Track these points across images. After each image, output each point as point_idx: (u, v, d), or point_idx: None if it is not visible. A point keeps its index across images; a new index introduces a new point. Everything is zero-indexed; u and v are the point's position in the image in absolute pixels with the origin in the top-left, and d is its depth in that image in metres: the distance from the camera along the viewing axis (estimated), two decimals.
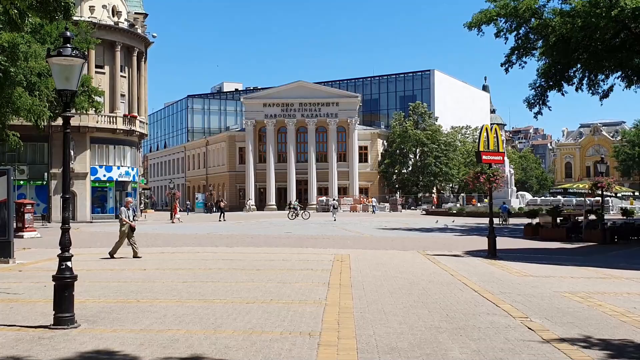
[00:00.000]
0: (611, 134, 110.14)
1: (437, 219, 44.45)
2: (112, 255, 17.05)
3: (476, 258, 17.54)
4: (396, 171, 76.18)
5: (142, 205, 66.15)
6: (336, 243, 23.65)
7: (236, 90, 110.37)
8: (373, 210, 63.94)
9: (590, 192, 26.38)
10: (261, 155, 77.09)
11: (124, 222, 17.20)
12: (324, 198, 66.47)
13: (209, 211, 70.20)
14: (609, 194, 26.89)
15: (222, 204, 49.58)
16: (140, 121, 52.75)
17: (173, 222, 43.14)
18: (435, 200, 73.30)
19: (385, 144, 79.33)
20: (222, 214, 47.17)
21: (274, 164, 73.68)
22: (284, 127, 74.67)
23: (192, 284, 11.97)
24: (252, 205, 70.86)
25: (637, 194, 73.77)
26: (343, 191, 75.12)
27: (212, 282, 12.22)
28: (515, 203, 55.51)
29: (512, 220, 41.69)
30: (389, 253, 19.13)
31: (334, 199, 58.01)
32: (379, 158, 77.79)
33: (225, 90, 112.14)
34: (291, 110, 73.78)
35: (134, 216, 18.12)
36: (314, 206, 68.48)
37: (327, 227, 35.72)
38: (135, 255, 16.97)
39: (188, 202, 76.83)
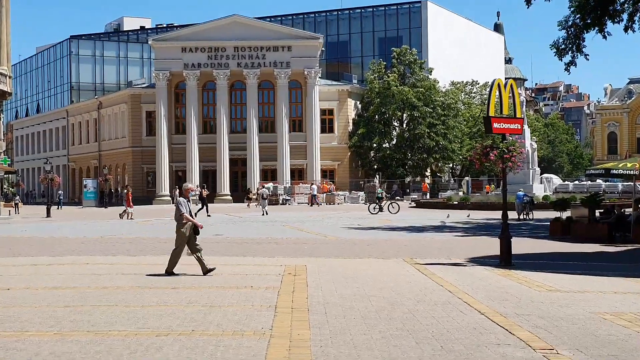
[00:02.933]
0: None
1: (448, 212, 44.90)
2: (169, 271, 16.15)
3: (484, 267, 17.85)
4: (374, 145, 76.71)
5: (17, 198, 64.97)
6: (288, 249, 23.71)
7: (142, 28, 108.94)
8: (314, 201, 64.10)
9: None
10: (179, 122, 76.55)
11: (185, 220, 16.23)
12: (269, 185, 66.34)
13: (104, 204, 69.37)
14: None
15: (205, 193, 50.03)
16: (1, 74, 51.63)
17: (122, 218, 45.02)
18: (424, 186, 74.10)
19: (359, 106, 79.66)
20: (206, 207, 47.74)
21: (197, 136, 73.32)
22: (212, 82, 74.27)
23: (79, 309, 11.86)
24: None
25: None
26: (298, 175, 75.33)
27: (108, 305, 12.14)
28: (539, 189, 56.61)
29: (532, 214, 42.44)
30: (362, 262, 19.28)
31: (263, 187, 58.30)
32: (350, 127, 78.15)
33: (125, 28, 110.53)
34: (222, 57, 73.32)
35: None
36: (255, 197, 68.42)
37: (275, 228, 35.74)
38: (205, 271, 15.93)
39: (60, 192, 75.37)
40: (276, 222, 39.44)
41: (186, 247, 16.43)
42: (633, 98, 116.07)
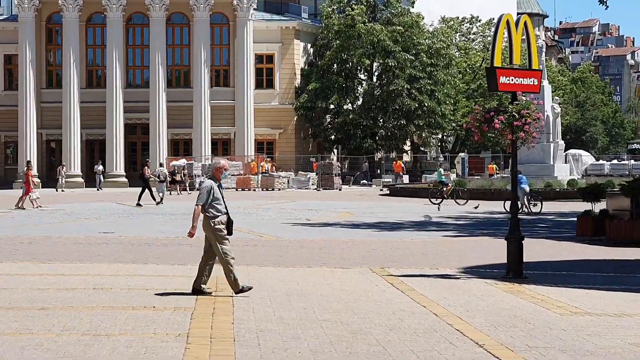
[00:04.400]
0: None
1: (478, 203, 44.96)
2: (198, 289, 15.60)
3: (484, 280, 18.02)
4: (332, 107, 76.67)
5: None
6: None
7: None
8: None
9: None
10: (52, 72, 75.92)
11: (216, 213, 15.73)
12: (181, 162, 65.95)
13: None
14: None
15: (147, 173, 49.51)
16: None
17: (21, 208, 43.77)
18: (398, 166, 74.32)
19: (311, 51, 79.48)
20: (149, 189, 47.97)
21: (78, 92, 72.62)
22: (100, 15, 73.69)
23: None
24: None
25: None
26: (223, 147, 75.18)
27: None
28: (563, 171, 57.17)
29: (553, 206, 42.84)
30: (313, 273, 19.36)
31: (160, 165, 58.23)
32: (298, 80, 78.05)
33: None
34: None
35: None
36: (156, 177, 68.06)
37: (189, 223, 35.54)
38: (237, 289, 15.35)
39: None
40: (191, 215, 39.28)
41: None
42: None
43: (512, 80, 18.89)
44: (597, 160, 75.34)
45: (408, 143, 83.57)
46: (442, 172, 52.14)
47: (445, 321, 13.14)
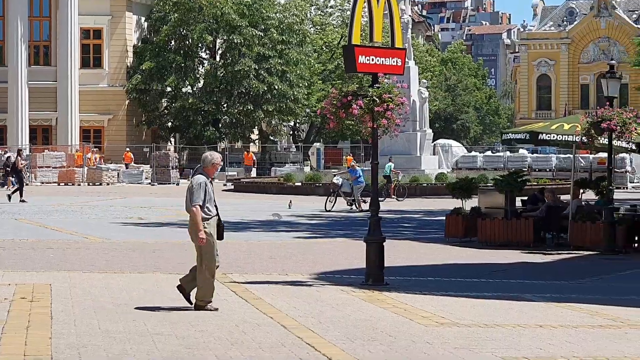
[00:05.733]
0: (635, 19, 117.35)
1: (290, 199, 45.32)
2: (201, 305, 15.09)
3: (340, 288, 18.15)
4: (169, 90, 76.28)
5: None
6: (20, 258, 23.36)
7: None
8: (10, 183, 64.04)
9: (584, 140, 27.91)
10: None
11: (205, 216, 14.97)
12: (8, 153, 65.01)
13: None
14: (624, 145, 28.51)
15: (19, 164, 48.05)
16: None
17: None
18: (249, 157, 74.30)
19: (146, 25, 78.87)
20: (20, 182, 47.18)
21: None
22: None
23: None
24: None
25: None
26: (43, 136, 74.18)
27: None
28: (431, 163, 57.93)
29: (419, 204, 43.39)
30: (145, 280, 19.31)
31: None
32: (130, 59, 77.43)
33: None
34: None
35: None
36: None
37: (2, 222, 34.95)
38: (199, 306, 15.10)
39: None
40: (4, 213, 38.61)
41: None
42: (575, 22, 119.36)
43: (373, 60, 18.97)
44: (469, 151, 76.53)
45: (256, 131, 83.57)
46: (393, 166, 50.27)
47: (295, 334, 13.15)
